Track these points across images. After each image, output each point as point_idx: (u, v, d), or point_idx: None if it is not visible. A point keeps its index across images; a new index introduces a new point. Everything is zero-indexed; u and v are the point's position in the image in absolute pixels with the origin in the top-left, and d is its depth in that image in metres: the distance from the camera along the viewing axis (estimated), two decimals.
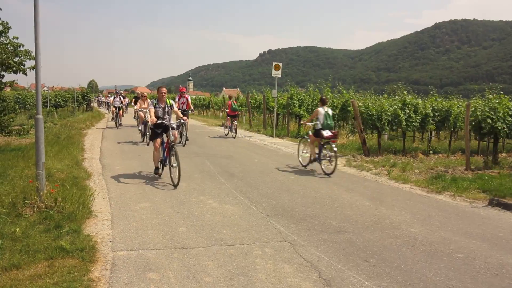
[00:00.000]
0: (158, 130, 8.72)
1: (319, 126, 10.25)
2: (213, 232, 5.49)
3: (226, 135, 18.46)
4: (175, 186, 7.98)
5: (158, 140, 8.70)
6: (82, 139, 15.30)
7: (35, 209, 5.71)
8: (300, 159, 11.27)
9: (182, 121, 9.14)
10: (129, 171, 9.56)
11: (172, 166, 8.26)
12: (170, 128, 8.72)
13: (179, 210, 6.46)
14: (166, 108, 8.95)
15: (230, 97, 19.80)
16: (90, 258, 4.40)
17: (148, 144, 14.40)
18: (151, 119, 8.53)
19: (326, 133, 10.13)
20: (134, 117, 21.21)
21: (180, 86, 12.43)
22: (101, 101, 54.58)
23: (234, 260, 4.58)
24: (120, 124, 21.78)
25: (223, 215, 6.29)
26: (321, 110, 10.34)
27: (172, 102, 9.15)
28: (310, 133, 10.68)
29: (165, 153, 8.63)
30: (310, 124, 10.74)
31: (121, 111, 22.38)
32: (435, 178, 9.55)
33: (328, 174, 9.84)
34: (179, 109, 14.29)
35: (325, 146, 10.27)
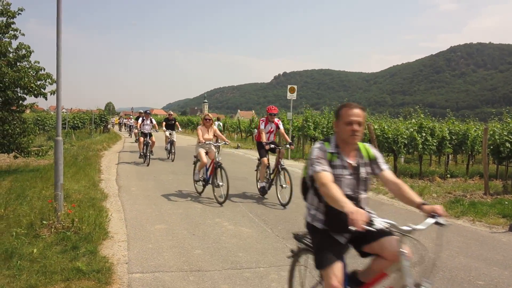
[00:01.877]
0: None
1: None
2: (229, 255, 5.45)
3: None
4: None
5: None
6: (99, 160, 15.47)
7: (52, 230, 5.76)
8: None
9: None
10: (145, 192, 9.61)
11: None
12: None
13: (194, 232, 6.45)
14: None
15: (218, 119, 23.69)
16: (106, 280, 4.40)
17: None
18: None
19: None
20: (166, 148, 17.19)
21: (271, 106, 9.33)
22: (122, 124, 50.93)
23: (250, 284, 4.53)
24: (151, 156, 15.25)
25: (238, 238, 6.25)
26: None
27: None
28: None
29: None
30: None
31: (152, 138, 15.47)
32: (453, 202, 9.38)
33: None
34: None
35: None
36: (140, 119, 16.25)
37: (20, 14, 10.72)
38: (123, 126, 48.83)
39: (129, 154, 18.55)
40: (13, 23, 10.69)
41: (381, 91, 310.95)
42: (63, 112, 42.63)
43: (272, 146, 9.21)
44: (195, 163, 9.63)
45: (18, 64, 10.73)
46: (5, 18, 10.55)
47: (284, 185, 8.63)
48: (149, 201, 8.68)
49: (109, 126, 44.16)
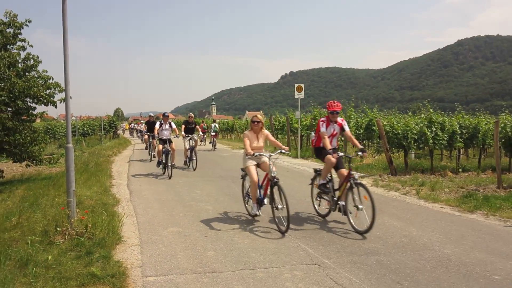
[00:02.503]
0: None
1: None
2: (242, 256, 5.46)
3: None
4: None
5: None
6: (110, 166, 15.57)
7: (66, 236, 5.81)
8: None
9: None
10: (156, 196, 9.66)
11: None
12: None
13: (206, 234, 6.46)
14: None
15: (214, 121, 25.92)
16: (121, 284, 4.43)
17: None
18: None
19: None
20: (186, 161, 14.82)
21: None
22: (133, 129, 48.35)
23: (263, 284, 4.53)
24: (172, 167, 12.82)
25: (251, 238, 6.26)
26: None
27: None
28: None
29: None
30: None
31: (172, 145, 13.15)
32: (466, 197, 9.30)
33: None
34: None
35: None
36: (158, 123, 14.06)
37: (27, 25, 10.84)
38: (134, 132, 45.85)
39: (140, 159, 18.63)
40: (20, 33, 10.81)
41: (389, 87, 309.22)
42: (72, 119, 43.04)
43: (341, 154, 7.19)
44: (243, 177, 7.88)
45: (27, 74, 10.85)
46: (13, 29, 10.67)
47: (360, 206, 6.49)
48: (160, 204, 8.72)
49: (118, 131, 44.46)
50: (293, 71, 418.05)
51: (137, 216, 7.68)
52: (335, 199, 7.08)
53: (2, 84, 10.14)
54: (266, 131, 7.59)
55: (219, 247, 5.81)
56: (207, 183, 11.55)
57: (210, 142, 26.03)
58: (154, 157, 17.34)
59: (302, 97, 19.14)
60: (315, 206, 7.87)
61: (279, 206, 6.57)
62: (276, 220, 6.77)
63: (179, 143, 15.63)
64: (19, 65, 10.77)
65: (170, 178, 12.30)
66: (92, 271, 4.62)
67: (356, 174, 6.98)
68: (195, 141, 15.19)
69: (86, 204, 8.03)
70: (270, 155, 7.01)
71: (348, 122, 18.05)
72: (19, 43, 10.89)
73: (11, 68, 10.41)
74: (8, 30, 10.62)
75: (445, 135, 14.10)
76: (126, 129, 66.46)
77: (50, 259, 4.95)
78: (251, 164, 7.19)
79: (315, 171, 7.76)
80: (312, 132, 14.79)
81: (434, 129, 13.89)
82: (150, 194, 9.85)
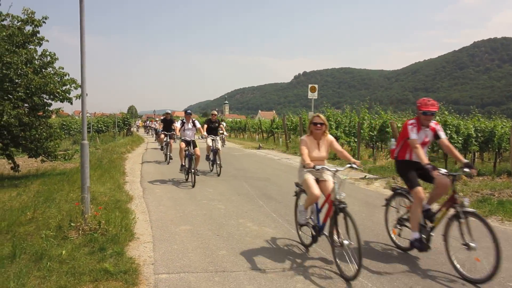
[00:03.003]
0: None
1: None
2: (253, 256, 5.46)
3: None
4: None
5: None
6: (123, 163, 15.70)
7: (80, 231, 5.88)
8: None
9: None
10: (168, 193, 9.71)
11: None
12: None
13: (218, 233, 6.48)
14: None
15: (222, 120, 23.95)
16: (133, 281, 4.46)
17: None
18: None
19: None
20: (208, 157, 13.42)
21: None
22: (148, 127, 47.26)
23: (275, 285, 4.53)
24: (195, 174, 10.92)
25: (262, 238, 6.25)
26: None
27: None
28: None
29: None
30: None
31: (197, 150, 11.38)
32: (481, 201, 9.18)
33: None
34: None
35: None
36: (179, 122, 12.42)
37: (45, 22, 10.96)
38: (149, 129, 44.85)
39: (153, 156, 18.73)
40: (38, 32, 10.95)
41: (403, 89, 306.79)
42: (87, 116, 43.48)
43: (443, 171, 5.30)
44: (297, 194, 6.18)
45: (43, 70, 10.98)
46: (31, 27, 10.80)
47: (472, 244, 4.81)
48: (173, 202, 8.76)
49: (132, 129, 44.77)
50: (306, 71, 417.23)
51: (149, 213, 7.73)
52: (429, 228, 5.39)
53: (19, 80, 10.28)
54: (330, 137, 5.81)
55: (231, 247, 5.82)
56: (219, 182, 11.57)
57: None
58: (171, 158, 16.22)
59: (316, 97, 19.08)
60: (392, 236, 6.07)
61: (345, 242, 4.73)
62: (337, 260, 4.95)
63: (204, 146, 13.65)
64: (36, 62, 10.91)
65: (193, 186, 10.57)
66: (105, 267, 4.66)
67: (465, 200, 5.00)
68: (221, 141, 14.09)
69: (100, 200, 8.11)
70: (337, 170, 5.28)
71: (362, 124, 17.91)
72: (36, 41, 11.02)
73: (28, 65, 10.54)
74: (27, 28, 10.76)
75: (460, 138, 13.94)
76: (140, 126, 66.71)
77: (64, 254, 5.01)
78: (310, 178, 5.48)
79: (394, 189, 6.05)
80: (393, 139, 13.06)
81: (449, 131, 13.74)
82: (163, 192, 9.90)
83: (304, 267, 5.06)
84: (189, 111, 12.64)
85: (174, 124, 14.70)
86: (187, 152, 11.41)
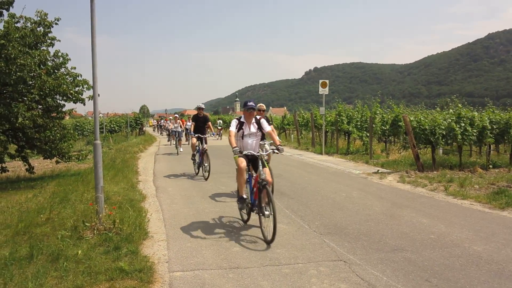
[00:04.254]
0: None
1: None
2: (267, 252, 5.46)
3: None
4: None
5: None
6: (136, 162, 15.81)
7: (95, 231, 5.94)
8: None
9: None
10: (181, 192, 9.76)
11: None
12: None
13: (232, 230, 6.49)
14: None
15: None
16: (148, 279, 4.50)
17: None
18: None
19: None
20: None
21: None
22: (161, 126, 44.61)
23: (289, 280, 4.53)
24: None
25: (276, 234, 6.25)
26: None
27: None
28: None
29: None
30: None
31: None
32: (497, 193, 9.06)
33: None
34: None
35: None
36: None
37: (57, 24, 11.08)
38: (164, 130, 39.68)
39: (165, 155, 18.84)
40: (50, 32, 11.06)
41: (415, 82, 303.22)
42: (100, 116, 43.87)
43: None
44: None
45: (56, 72, 11.11)
46: (43, 28, 10.93)
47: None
48: (186, 200, 8.80)
49: (144, 128, 45.05)
50: (317, 67, 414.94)
51: (163, 211, 7.78)
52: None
53: (33, 82, 10.41)
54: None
55: (244, 243, 5.83)
56: (231, 179, 11.56)
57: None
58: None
59: (327, 92, 18.98)
60: None
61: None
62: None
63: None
64: (49, 63, 11.03)
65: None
66: (120, 266, 4.70)
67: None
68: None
69: (114, 200, 8.18)
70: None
71: (374, 118, 17.81)
72: (48, 41, 11.15)
73: (41, 67, 10.67)
74: (38, 29, 10.89)
75: (475, 131, 13.74)
76: (150, 125, 66.81)
77: (80, 253, 5.07)
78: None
79: None
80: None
81: (463, 124, 13.55)
82: (176, 190, 9.95)
83: (315, 262, 5.05)
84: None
85: (208, 123, 12.64)
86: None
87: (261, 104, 9.79)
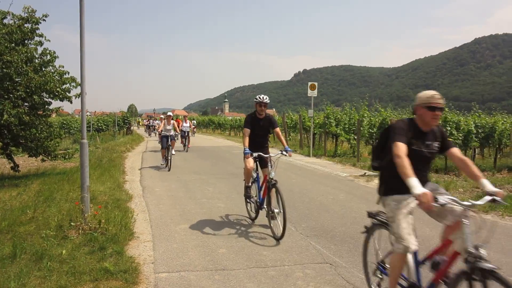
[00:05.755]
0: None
1: None
2: (253, 254, 5.46)
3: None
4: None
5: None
6: (123, 162, 15.71)
7: (80, 231, 5.88)
8: None
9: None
10: (168, 192, 9.71)
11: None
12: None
13: (218, 232, 6.47)
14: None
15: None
16: (134, 280, 4.47)
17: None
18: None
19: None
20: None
21: None
22: (150, 126, 41.68)
23: (275, 282, 4.53)
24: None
25: (262, 236, 6.26)
26: None
27: None
28: None
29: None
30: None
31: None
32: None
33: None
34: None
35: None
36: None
37: (45, 20, 10.94)
38: (153, 131, 38.55)
39: (152, 155, 18.74)
40: (38, 28, 10.92)
41: (403, 86, 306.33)
42: (87, 115, 43.45)
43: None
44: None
45: (43, 69, 10.96)
46: (30, 24, 10.79)
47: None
48: (172, 201, 8.77)
49: (132, 127, 44.77)
50: (306, 69, 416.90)
51: (149, 212, 7.74)
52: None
53: (19, 79, 10.27)
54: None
55: (231, 245, 5.82)
56: (219, 180, 11.58)
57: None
58: None
59: (315, 95, 19.06)
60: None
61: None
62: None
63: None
64: (36, 60, 10.89)
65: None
66: (105, 266, 4.66)
67: None
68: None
69: (100, 200, 8.11)
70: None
71: (361, 121, 17.94)
72: (36, 38, 11.00)
73: (28, 63, 10.53)
74: (26, 25, 10.74)
75: (460, 135, 13.93)
76: (141, 125, 66.12)
77: (64, 253, 5.02)
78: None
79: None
80: None
81: (449, 128, 13.73)
82: (163, 191, 9.91)
83: (301, 265, 5.06)
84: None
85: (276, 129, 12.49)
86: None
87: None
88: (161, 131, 14.99)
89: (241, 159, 16.87)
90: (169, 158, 13.62)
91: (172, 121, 14.88)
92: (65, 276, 4.42)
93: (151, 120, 43.49)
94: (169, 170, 13.47)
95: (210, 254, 5.43)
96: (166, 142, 14.23)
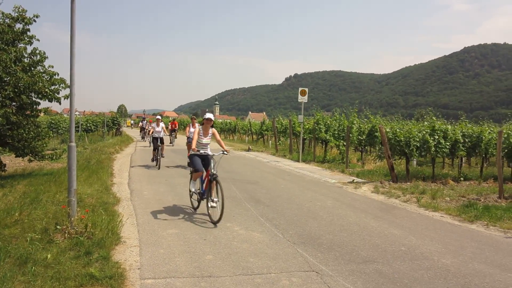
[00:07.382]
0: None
1: None
2: (240, 261, 5.46)
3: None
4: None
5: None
6: (112, 163, 15.59)
7: (66, 235, 5.83)
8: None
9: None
10: (156, 196, 9.67)
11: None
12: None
13: (205, 237, 6.46)
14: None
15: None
16: (119, 286, 4.44)
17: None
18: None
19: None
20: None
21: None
22: (143, 128, 33.42)
23: None
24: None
25: (249, 243, 6.26)
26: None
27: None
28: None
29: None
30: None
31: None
32: (467, 206, 9.29)
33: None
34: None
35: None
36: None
37: (35, 21, 10.86)
38: (146, 133, 29.16)
39: (141, 157, 18.64)
40: (29, 30, 10.85)
41: (393, 92, 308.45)
42: (76, 114, 43.06)
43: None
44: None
45: (32, 69, 10.87)
46: (22, 25, 10.70)
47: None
48: (160, 205, 8.72)
49: (121, 129, 44.48)
50: (297, 73, 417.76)
51: (137, 216, 7.69)
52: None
53: (8, 79, 10.17)
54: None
55: (218, 251, 5.81)
56: None
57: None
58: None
59: (306, 100, 19.14)
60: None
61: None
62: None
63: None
64: (25, 60, 10.80)
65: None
66: (90, 272, 4.62)
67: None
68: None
69: (87, 203, 8.05)
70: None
71: (351, 128, 18.05)
72: (27, 39, 10.92)
73: (17, 63, 10.44)
74: (17, 26, 10.66)
75: (448, 144, 14.06)
76: (128, 125, 65.60)
77: (49, 258, 4.96)
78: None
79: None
80: None
81: (437, 137, 13.86)
82: (151, 195, 9.86)
83: (288, 273, 5.07)
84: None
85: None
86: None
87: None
88: (152, 133, 16.18)
89: (230, 164, 16.93)
90: (159, 157, 15.09)
91: (161, 124, 16.09)
92: (49, 282, 4.38)
93: (144, 122, 36.23)
94: (159, 168, 14.80)
95: (197, 260, 5.42)
96: (156, 143, 15.50)
